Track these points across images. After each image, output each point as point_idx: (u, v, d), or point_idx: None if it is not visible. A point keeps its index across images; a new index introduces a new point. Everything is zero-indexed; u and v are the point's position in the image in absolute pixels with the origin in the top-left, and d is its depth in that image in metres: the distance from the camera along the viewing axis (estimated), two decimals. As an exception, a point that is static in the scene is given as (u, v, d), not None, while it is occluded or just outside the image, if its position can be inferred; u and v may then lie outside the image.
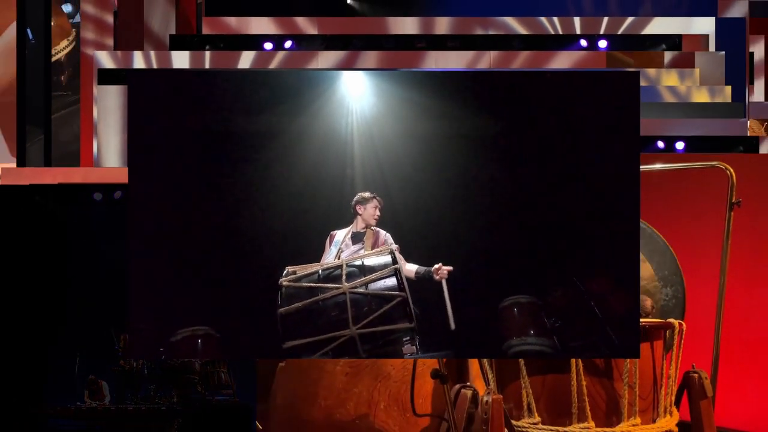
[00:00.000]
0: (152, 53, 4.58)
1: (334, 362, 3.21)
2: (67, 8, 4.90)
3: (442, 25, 4.77)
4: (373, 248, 3.57)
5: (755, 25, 4.88)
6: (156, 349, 3.54)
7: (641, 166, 3.48)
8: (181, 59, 4.53)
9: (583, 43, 4.79)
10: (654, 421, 3.15)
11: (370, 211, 3.75)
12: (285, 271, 3.27)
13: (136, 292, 3.46)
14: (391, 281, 3.15)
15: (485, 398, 3.00)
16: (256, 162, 4.16)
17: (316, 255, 3.60)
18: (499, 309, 3.61)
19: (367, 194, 3.83)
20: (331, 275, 3.18)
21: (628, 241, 3.46)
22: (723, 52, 4.76)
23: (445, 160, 4.13)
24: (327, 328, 3.06)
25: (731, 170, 3.48)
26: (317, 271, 3.20)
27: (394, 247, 3.44)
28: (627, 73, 4.22)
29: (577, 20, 4.84)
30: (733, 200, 3.46)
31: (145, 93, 3.81)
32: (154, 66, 4.59)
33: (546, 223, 4.04)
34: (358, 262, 3.24)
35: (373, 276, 3.13)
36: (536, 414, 3.13)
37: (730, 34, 4.85)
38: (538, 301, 3.62)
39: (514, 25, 4.90)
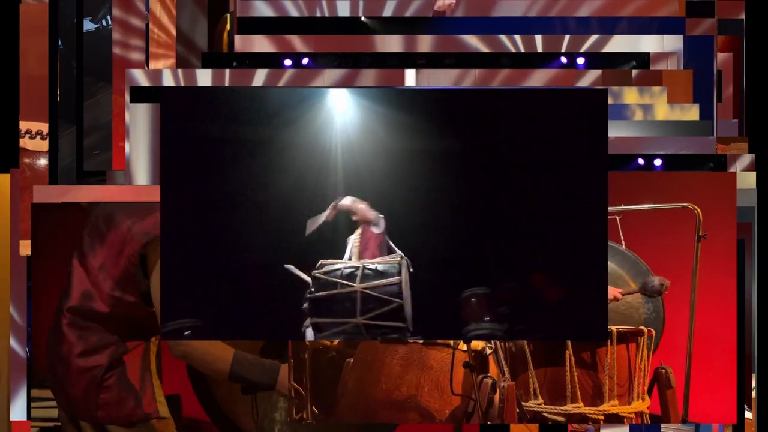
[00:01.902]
0: (181, 71, 5.19)
1: (392, 356, 4.57)
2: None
3: (433, 44, 5.36)
4: (362, 243, 4.92)
5: (723, 43, 5.32)
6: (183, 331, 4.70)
7: (628, 207, 4.85)
8: (207, 76, 5.23)
9: (564, 60, 5.24)
10: (629, 404, 4.59)
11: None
12: (318, 263, 4.70)
13: (168, 282, 4.58)
14: (393, 289, 4.60)
15: (502, 384, 4.40)
16: (253, 168, 5.16)
17: (304, 249, 4.98)
18: (460, 300, 4.86)
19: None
20: (351, 274, 4.63)
21: (596, 245, 4.71)
22: (691, 70, 5.20)
23: (415, 170, 5.11)
24: (341, 314, 4.57)
25: (698, 209, 4.79)
26: (341, 269, 4.63)
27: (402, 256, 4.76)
28: (595, 91, 4.88)
29: (539, 38, 5.28)
30: (700, 233, 4.80)
31: (175, 108, 4.89)
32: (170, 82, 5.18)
33: (506, 229, 5.05)
34: (373, 266, 4.66)
35: (379, 282, 4.59)
36: (540, 397, 4.58)
37: (698, 52, 5.29)
38: (491, 293, 4.86)
39: (475, 43, 5.32)
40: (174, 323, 4.61)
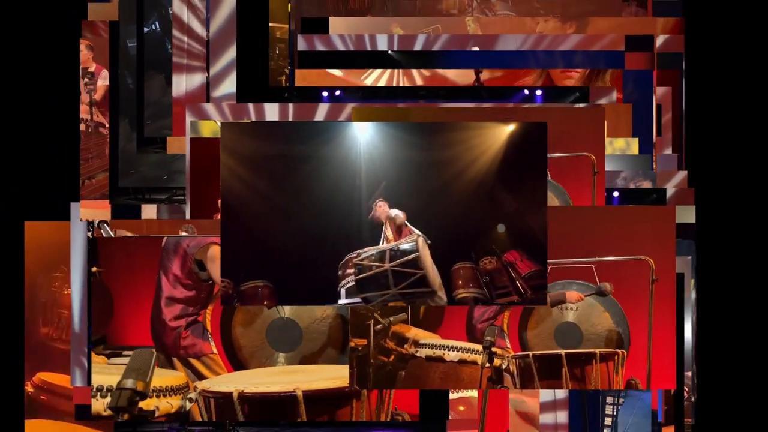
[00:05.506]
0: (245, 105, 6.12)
1: (434, 371, 6.01)
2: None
3: (429, 78, 6.09)
4: (393, 232, 6.31)
5: (662, 77, 5.54)
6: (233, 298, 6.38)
7: (598, 259, 6.13)
8: (272, 109, 6.11)
9: (526, 92, 5.77)
10: (608, 406, 6.15)
11: (379, 211, 6.38)
12: (356, 253, 6.13)
13: (226, 264, 6.34)
14: (414, 263, 6.03)
15: (514, 394, 6.06)
16: (300, 177, 6.36)
17: (341, 238, 6.34)
18: (451, 271, 6.00)
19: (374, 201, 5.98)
20: (382, 256, 6.08)
21: (538, 238, 6.12)
22: (630, 104, 5.50)
23: (419, 176, 6.29)
24: (380, 288, 6.06)
25: (651, 260, 5.66)
26: (373, 254, 6.08)
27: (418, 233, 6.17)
28: (535, 124, 5.50)
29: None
30: (653, 278, 5.70)
31: (234, 140, 6.33)
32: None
33: (483, 222, 6.30)
34: (396, 247, 6.04)
35: (402, 260, 6.04)
36: (543, 403, 6.16)
37: (637, 87, 5.57)
38: (475, 266, 5.99)
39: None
40: (246, 284, 6.41)
